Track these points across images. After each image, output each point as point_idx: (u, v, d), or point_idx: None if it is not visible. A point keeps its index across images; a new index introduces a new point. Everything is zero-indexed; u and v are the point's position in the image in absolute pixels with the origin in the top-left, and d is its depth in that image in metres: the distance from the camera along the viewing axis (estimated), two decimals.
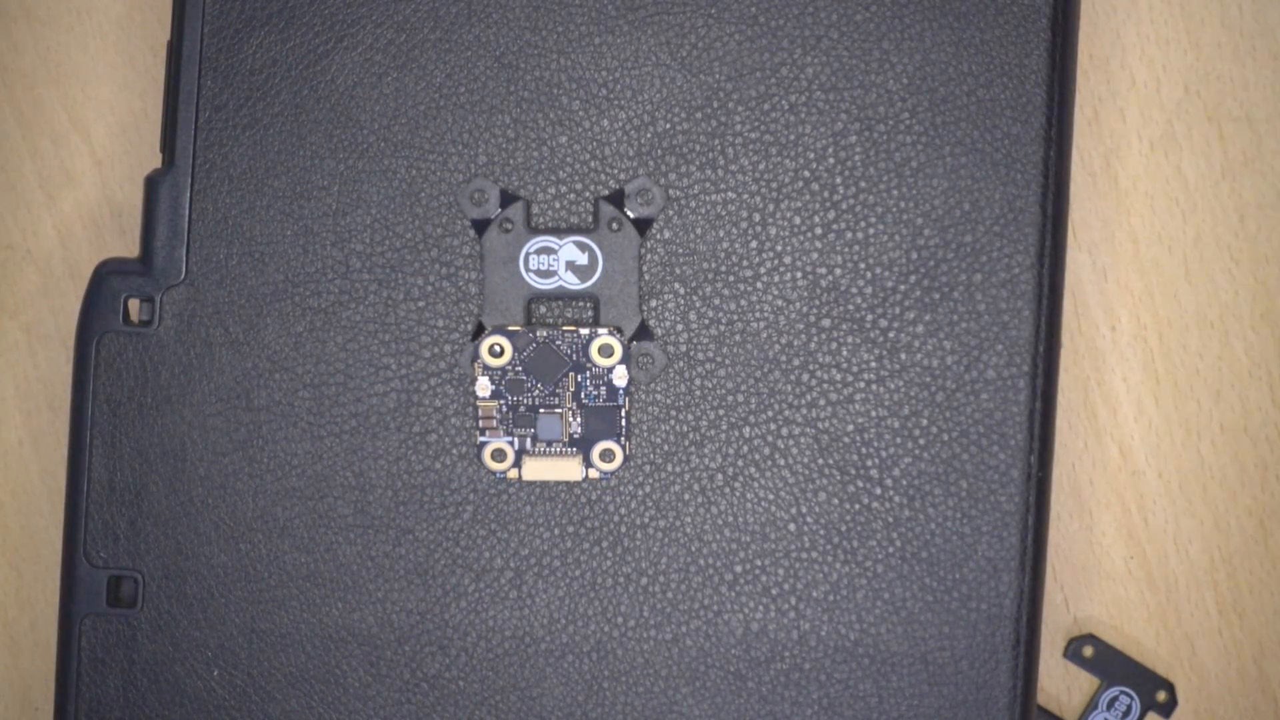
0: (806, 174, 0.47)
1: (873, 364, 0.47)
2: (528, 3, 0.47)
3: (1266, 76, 0.51)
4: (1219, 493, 0.52)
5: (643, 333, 0.47)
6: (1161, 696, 0.51)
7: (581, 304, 0.47)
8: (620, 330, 0.47)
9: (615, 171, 0.47)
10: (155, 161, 0.49)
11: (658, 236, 0.47)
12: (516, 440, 0.47)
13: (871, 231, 0.47)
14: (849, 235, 0.47)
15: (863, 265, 0.47)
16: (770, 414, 0.47)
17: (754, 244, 0.47)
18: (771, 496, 0.47)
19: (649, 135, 0.47)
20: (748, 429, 0.47)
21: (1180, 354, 0.52)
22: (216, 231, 0.47)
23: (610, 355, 0.47)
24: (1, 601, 0.52)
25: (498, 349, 0.47)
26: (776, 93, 0.47)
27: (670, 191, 0.47)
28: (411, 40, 0.47)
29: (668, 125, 0.47)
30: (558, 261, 0.47)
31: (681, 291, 0.47)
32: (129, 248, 0.52)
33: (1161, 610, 0.52)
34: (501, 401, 0.47)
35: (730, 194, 0.47)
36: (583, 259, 0.47)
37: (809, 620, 0.47)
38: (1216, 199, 0.52)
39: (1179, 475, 0.52)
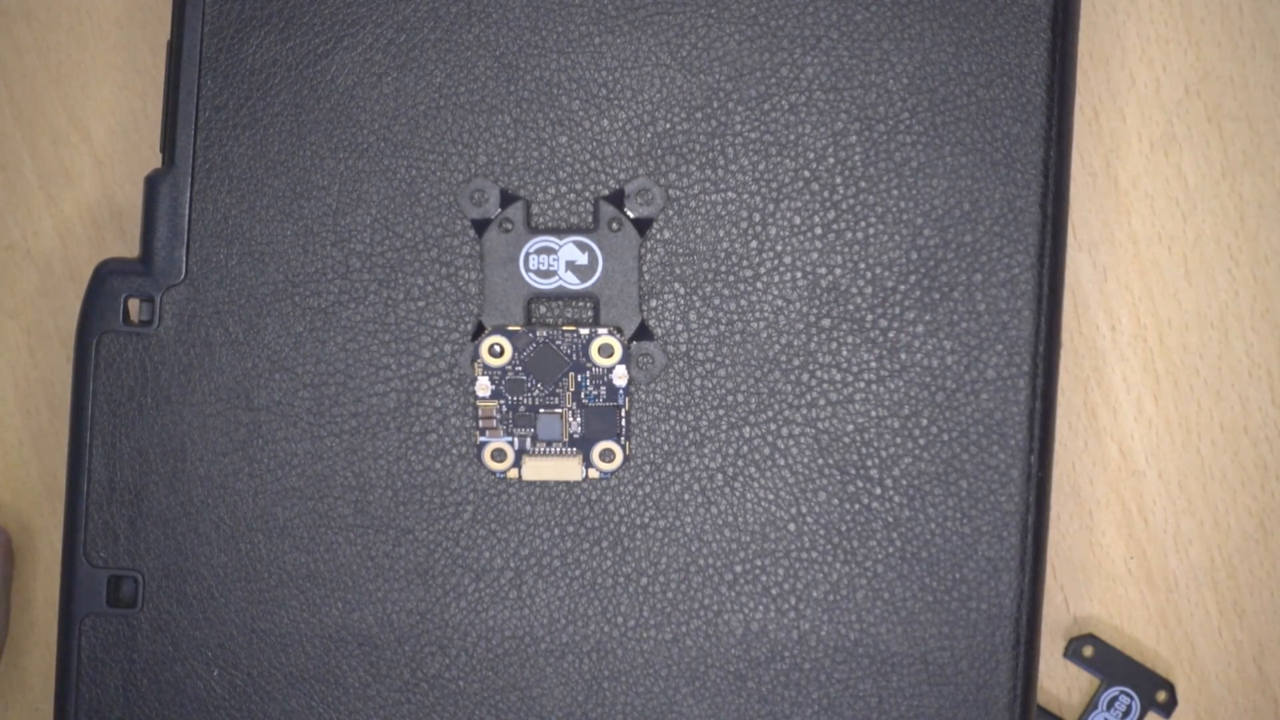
0: (806, 174, 0.47)
1: (873, 364, 0.47)
2: (528, 3, 0.47)
3: (1266, 76, 0.51)
4: (1219, 493, 0.52)
5: (643, 333, 0.47)
6: (1161, 696, 0.51)
7: (581, 304, 0.47)
8: (620, 330, 0.47)
9: (615, 171, 0.47)
10: (155, 161, 0.49)
11: (658, 236, 0.47)
12: (516, 440, 0.47)
13: (871, 231, 0.47)
14: (849, 235, 0.47)
15: (863, 265, 0.47)
16: (770, 414, 0.47)
17: (754, 244, 0.47)
18: (771, 496, 0.47)
19: (649, 135, 0.47)
20: (748, 429, 0.47)
21: (1180, 354, 0.52)
22: (216, 231, 0.47)
23: (610, 355, 0.47)
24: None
25: (498, 349, 0.47)
26: (776, 93, 0.47)
27: (670, 191, 0.47)
28: (411, 40, 0.47)
29: (668, 125, 0.47)
30: (558, 261, 0.47)
31: (681, 291, 0.47)
32: (129, 248, 0.52)
33: (1161, 610, 0.52)
34: (501, 401, 0.47)
35: (730, 194, 0.47)
36: (583, 259, 0.47)
37: (809, 620, 0.47)
38: (1216, 199, 0.52)
39: (1179, 475, 0.52)
